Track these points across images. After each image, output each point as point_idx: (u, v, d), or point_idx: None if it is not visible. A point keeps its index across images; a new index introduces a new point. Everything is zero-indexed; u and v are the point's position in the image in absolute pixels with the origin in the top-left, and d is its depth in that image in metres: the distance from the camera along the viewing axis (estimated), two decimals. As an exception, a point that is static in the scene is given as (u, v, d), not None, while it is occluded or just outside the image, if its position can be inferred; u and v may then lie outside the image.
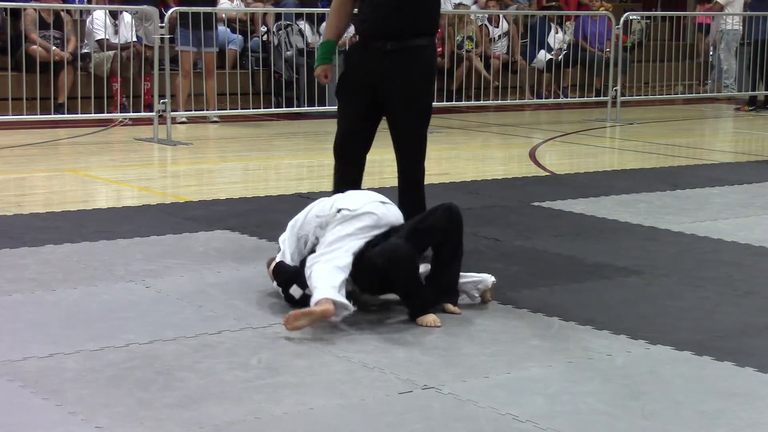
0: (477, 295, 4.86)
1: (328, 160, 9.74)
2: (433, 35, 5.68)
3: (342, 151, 5.76)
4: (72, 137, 10.89)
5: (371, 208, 4.78)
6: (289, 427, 3.48)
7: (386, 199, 4.93)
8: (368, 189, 5.18)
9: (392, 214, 4.88)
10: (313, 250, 4.79)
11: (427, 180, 8.52)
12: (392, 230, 4.77)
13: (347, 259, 4.60)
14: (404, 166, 5.75)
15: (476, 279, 4.87)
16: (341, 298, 4.43)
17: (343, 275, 4.54)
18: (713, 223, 6.87)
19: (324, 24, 5.65)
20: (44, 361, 4.03)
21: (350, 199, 4.88)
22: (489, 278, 4.89)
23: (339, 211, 4.78)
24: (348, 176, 5.73)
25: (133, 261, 5.60)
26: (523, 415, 3.59)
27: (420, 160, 5.74)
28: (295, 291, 4.67)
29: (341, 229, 4.72)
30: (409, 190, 5.75)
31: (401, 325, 4.56)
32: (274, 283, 4.88)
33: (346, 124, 5.74)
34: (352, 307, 4.46)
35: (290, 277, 4.74)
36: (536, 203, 7.47)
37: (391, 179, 8.71)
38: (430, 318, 4.57)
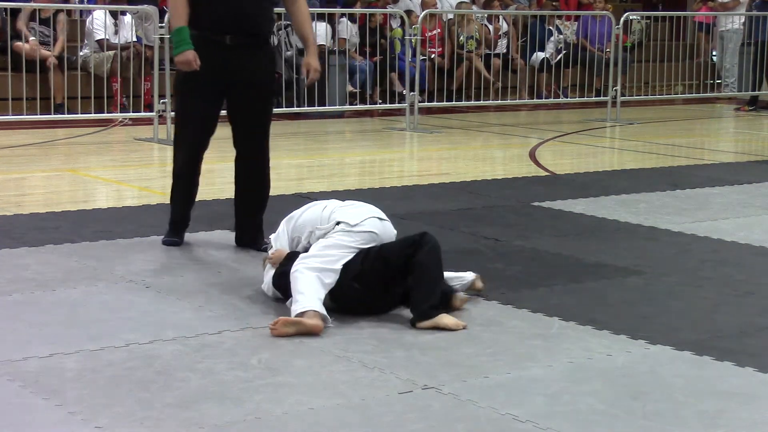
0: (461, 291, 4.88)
1: (328, 160, 9.79)
2: (272, 31, 5.86)
3: (193, 148, 5.85)
4: (72, 137, 10.89)
5: (371, 227, 4.76)
6: (289, 427, 3.48)
7: (383, 215, 4.91)
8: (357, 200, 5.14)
9: (388, 232, 4.85)
10: (306, 249, 4.79)
11: (428, 180, 8.61)
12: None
13: (334, 276, 4.59)
14: (252, 164, 5.83)
15: (455, 276, 4.89)
16: (324, 311, 4.46)
17: (325, 291, 4.55)
18: (713, 223, 6.87)
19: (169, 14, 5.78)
20: (44, 361, 4.03)
21: (349, 211, 4.84)
22: (468, 276, 4.93)
23: (338, 223, 4.77)
24: (188, 172, 5.89)
25: (133, 261, 5.60)
26: (523, 415, 3.59)
27: (268, 149, 5.84)
28: (290, 303, 4.63)
29: (340, 237, 4.71)
30: (255, 186, 5.87)
31: (401, 325, 4.56)
32: (268, 270, 4.87)
33: (197, 124, 5.80)
34: (330, 322, 4.47)
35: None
36: (536, 203, 7.47)
37: (391, 179, 8.75)
38: (451, 320, 4.52)
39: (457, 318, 4.58)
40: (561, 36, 15.50)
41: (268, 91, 5.87)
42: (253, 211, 5.90)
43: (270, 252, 4.97)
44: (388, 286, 4.68)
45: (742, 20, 15.94)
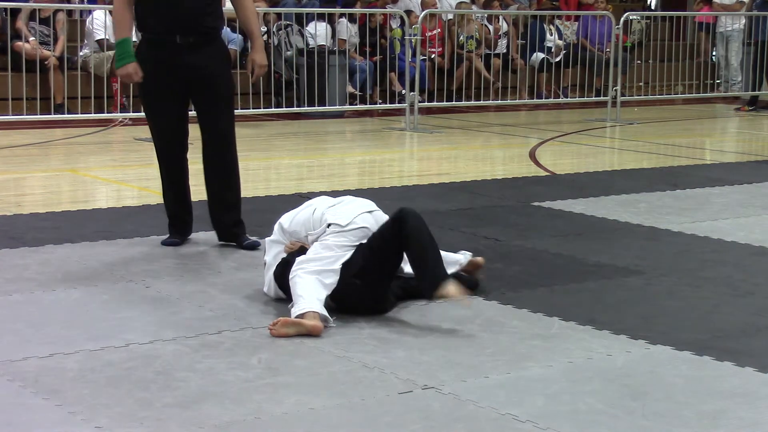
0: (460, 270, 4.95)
1: (328, 160, 9.80)
2: (220, 27, 6.00)
3: (170, 151, 5.96)
4: (71, 137, 10.89)
5: (363, 222, 4.77)
6: (289, 427, 3.48)
7: (374, 207, 4.92)
8: (353, 195, 5.16)
9: (380, 223, 4.84)
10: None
11: (428, 180, 8.60)
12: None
13: (334, 277, 4.60)
14: (218, 155, 5.92)
15: (451, 260, 4.92)
16: (325, 312, 4.47)
17: (326, 292, 4.56)
18: (713, 223, 6.87)
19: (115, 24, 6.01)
20: (44, 361, 4.03)
21: (338, 211, 4.85)
22: (461, 257, 4.98)
23: (329, 225, 4.78)
24: (174, 177, 5.99)
25: (133, 261, 5.60)
26: (523, 415, 3.59)
27: (233, 140, 5.94)
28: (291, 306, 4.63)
29: (334, 239, 4.71)
30: (223, 173, 5.96)
31: (401, 325, 4.57)
32: (268, 269, 4.86)
33: (166, 127, 5.91)
34: (332, 322, 4.48)
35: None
36: (536, 203, 7.47)
37: (391, 179, 8.75)
38: (453, 289, 4.47)
39: (455, 320, 4.59)
40: (554, 38, 15.44)
41: (225, 85, 5.92)
42: (227, 207, 5.97)
43: (289, 242, 4.96)
44: (389, 277, 4.68)
45: (745, 20, 15.94)
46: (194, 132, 5.99)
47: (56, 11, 12.23)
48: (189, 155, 6.02)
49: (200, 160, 5.98)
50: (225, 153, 5.93)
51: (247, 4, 5.98)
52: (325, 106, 12.52)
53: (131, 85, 11.98)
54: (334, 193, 7.36)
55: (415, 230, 4.57)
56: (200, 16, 5.75)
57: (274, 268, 4.86)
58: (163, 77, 5.76)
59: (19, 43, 11.72)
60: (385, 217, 4.88)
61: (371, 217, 4.83)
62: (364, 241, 4.73)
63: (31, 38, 11.87)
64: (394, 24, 14.32)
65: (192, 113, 5.95)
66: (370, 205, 4.92)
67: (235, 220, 5.98)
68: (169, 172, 5.98)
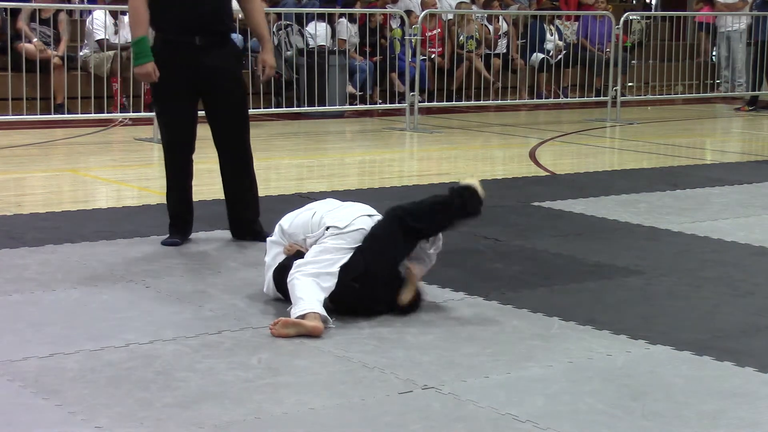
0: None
1: (328, 160, 9.80)
2: (232, 27, 6.03)
3: (179, 152, 5.97)
4: (71, 137, 10.89)
5: (361, 224, 4.76)
6: (289, 427, 3.48)
7: (373, 211, 4.91)
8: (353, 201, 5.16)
9: None
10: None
11: (428, 180, 8.60)
12: None
13: (332, 280, 4.60)
14: (236, 155, 5.96)
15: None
16: (325, 313, 4.46)
17: (324, 294, 4.56)
18: (713, 223, 6.87)
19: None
20: (44, 361, 4.03)
21: (337, 215, 4.84)
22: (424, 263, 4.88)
23: (328, 228, 4.78)
24: (180, 177, 6.00)
25: (133, 261, 5.60)
26: (523, 415, 3.59)
27: (248, 138, 5.98)
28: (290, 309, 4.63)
29: (332, 241, 4.71)
30: (242, 173, 5.99)
31: (401, 325, 4.56)
32: (268, 269, 4.87)
33: (177, 128, 5.91)
34: (331, 323, 4.47)
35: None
36: (536, 203, 7.47)
37: (391, 179, 8.75)
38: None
39: (455, 320, 4.59)
40: (554, 38, 15.43)
41: (240, 84, 5.98)
42: (245, 209, 6.00)
43: (287, 244, 4.96)
44: (391, 279, 4.68)
45: (748, 20, 15.96)
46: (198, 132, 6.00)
47: (57, 11, 12.24)
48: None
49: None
50: (243, 153, 5.95)
51: (255, 5, 5.98)
52: (325, 106, 12.52)
53: (131, 85, 12.14)
54: (334, 194, 7.38)
55: (414, 221, 4.67)
56: (218, 17, 5.76)
57: (273, 269, 4.86)
58: (177, 78, 5.74)
59: (22, 44, 11.72)
60: None
61: (370, 220, 4.81)
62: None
63: (35, 39, 11.87)
64: (394, 24, 14.33)
65: (200, 113, 5.93)
66: (369, 209, 4.92)
67: (255, 217, 6.02)
68: (176, 173, 5.97)
